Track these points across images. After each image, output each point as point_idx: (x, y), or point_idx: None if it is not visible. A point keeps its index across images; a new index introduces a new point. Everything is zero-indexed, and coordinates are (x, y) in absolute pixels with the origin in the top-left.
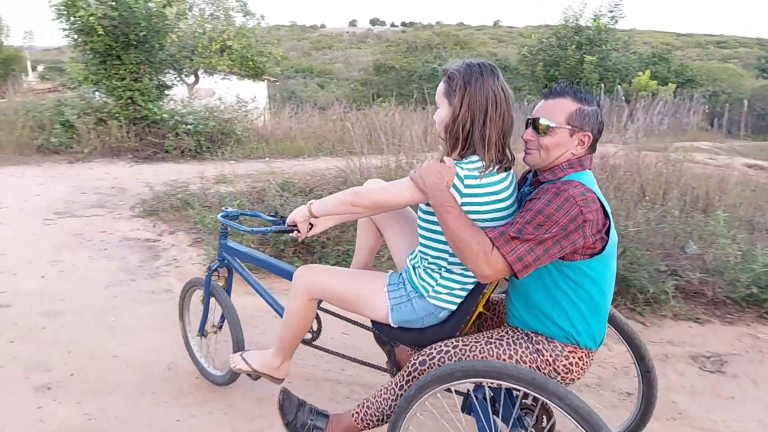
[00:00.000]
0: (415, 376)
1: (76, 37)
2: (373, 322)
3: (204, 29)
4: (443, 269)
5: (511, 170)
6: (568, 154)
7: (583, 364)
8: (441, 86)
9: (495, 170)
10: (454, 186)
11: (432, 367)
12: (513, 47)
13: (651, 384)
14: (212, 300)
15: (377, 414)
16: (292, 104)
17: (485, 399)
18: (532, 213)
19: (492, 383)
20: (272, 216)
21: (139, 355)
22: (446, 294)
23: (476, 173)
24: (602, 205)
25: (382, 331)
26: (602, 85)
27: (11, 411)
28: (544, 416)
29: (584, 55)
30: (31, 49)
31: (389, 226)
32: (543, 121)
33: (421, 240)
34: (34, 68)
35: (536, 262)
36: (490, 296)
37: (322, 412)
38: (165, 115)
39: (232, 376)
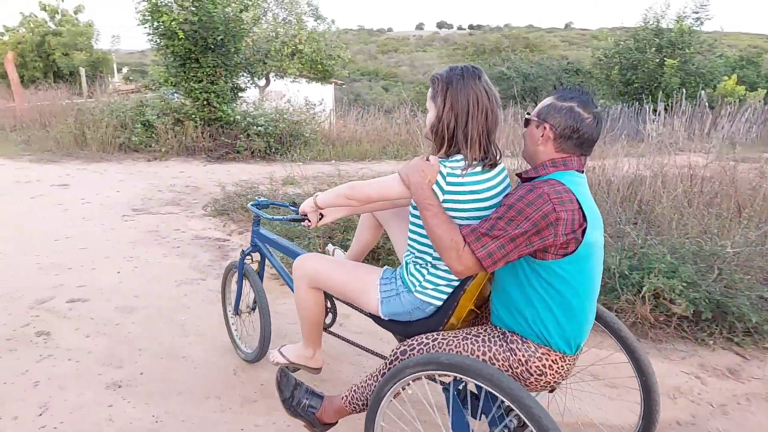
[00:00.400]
0: (395, 365)
1: (158, 40)
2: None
3: (277, 33)
4: (429, 264)
5: (500, 167)
6: (541, 150)
7: (558, 367)
8: (429, 91)
9: (481, 169)
10: (437, 183)
11: (410, 358)
12: (586, 50)
13: (651, 396)
14: (247, 283)
15: (362, 399)
16: (357, 107)
17: (457, 394)
18: (504, 208)
19: (458, 377)
20: (293, 206)
21: (205, 357)
22: (432, 290)
23: (459, 171)
24: (581, 207)
25: (375, 321)
26: (683, 90)
27: (84, 406)
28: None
29: (664, 59)
30: (118, 52)
31: (392, 222)
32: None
33: (409, 235)
34: (119, 70)
35: (505, 257)
36: (487, 296)
37: (318, 393)
38: (238, 117)
39: (259, 354)
